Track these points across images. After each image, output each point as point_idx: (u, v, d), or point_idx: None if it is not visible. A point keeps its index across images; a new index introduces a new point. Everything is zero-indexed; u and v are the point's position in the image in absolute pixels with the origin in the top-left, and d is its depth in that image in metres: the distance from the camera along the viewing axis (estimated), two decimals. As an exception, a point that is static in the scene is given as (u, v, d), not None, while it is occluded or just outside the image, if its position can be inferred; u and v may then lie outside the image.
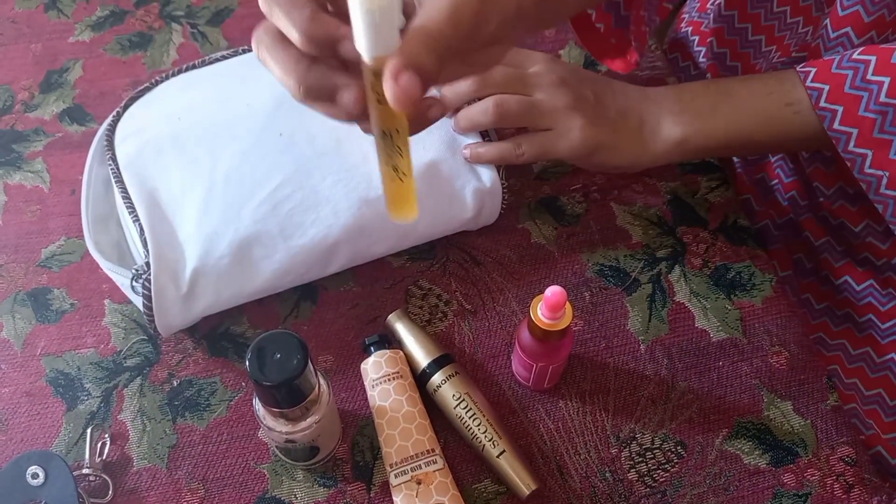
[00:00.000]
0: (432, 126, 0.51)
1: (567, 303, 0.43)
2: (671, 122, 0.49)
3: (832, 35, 0.48)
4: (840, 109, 0.44)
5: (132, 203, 0.49)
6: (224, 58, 0.56)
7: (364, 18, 0.31)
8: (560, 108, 0.50)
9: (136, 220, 0.48)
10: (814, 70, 0.45)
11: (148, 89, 0.54)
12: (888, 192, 0.43)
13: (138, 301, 0.47)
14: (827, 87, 0.44)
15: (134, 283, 0.47)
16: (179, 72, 0.55)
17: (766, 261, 0.56)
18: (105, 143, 0.52)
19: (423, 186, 0.51)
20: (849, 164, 0.44)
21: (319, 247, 0.49)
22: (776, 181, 0.59)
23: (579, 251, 0.56)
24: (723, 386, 0.50)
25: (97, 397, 0.49)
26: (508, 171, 0.54)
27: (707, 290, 0.54)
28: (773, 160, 0.58)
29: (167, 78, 0.55)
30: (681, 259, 0.55)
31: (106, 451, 0.47)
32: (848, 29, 0.47)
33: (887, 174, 0.42)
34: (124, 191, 0.50)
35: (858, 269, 0.54)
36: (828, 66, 0.45)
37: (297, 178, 0.49)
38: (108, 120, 0.53)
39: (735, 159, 0.61)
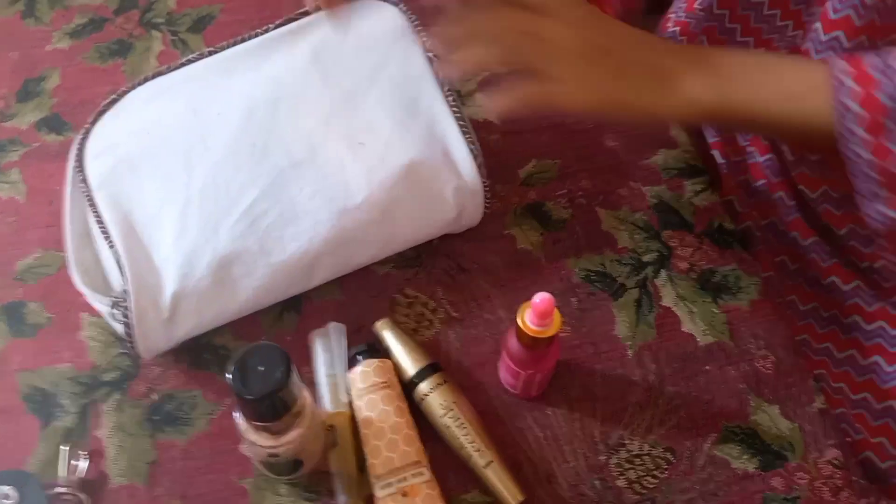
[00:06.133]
0: (410, 122, 0.51)
1: (555, 310, 0.43)
2: (691, 81, 0.44)
3: (823, 38, 0.48)
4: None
5: (107, 228, 0.48)
6: (190, 62, 0.54)
7: None
8: (565, 52, 0.43)
9: (112, 245, 0.47)
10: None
11: (115, 101, 0.53)
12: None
13: (119, 328, 0.47)
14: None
15: (114, 311, 0.46)
16: (147, 80, 0.53)
17: (752, 264, 0.56)
18: (75, 163, 0.51)
19: (403, 189, 0.50)
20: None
21: (301, 262, 0.49)
22: (763, 181, 0.58)
23: (565, 257, 0.55)
24: (710, 391, 0.50)
25: (73, 413, 0.48)
26: (493, 176, 0.53)
27: (693, 294, 0.54)
28: (761, 160, 0.58)
29: (134, 87, 0.53)
30: (667, 263, 0.55)
31: (82, 468, 0.46)
32: (839, 33, 0.47)
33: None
34: (97, 215, 0.48)
35: (845, 270, 0.54)
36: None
37: (273, 192, 0.48)
38: (78, 137, 0.52)
39: (720, 160, 0.61)
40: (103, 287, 0.49)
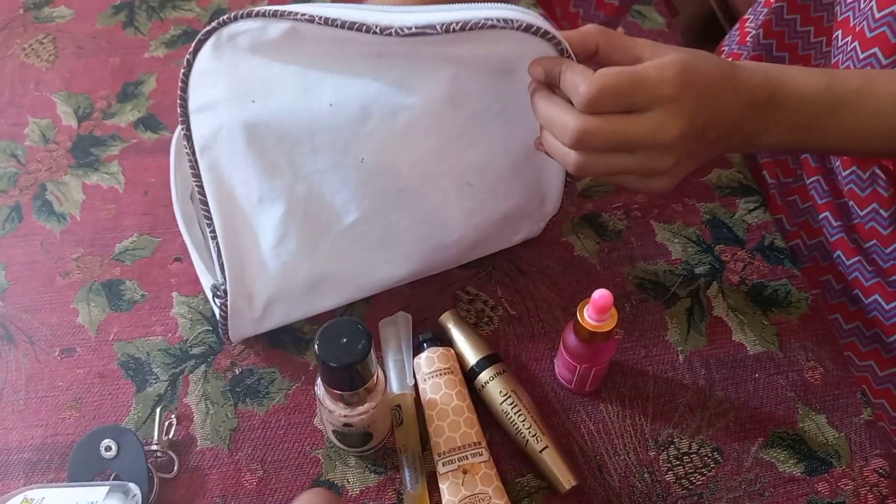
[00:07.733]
0: (523, 166, 0.50)
1: (613, 306, 0.45)
2: (768, 135, 0.44)
3: (861, 56, 0.50)
4: None
5: (210, 214, 0.46)
6: (309, 18, 0.41)
7: None
8: (660, 146, 0.40)
9: (214, 236, 0.47)
10: None
11: (216, 29, 0.42)
12: None
13: (216, 309, 0.51)
14: None
15: (214, 300, 0.50)
16: (260, 15, 0.41)
17: (802, 280, 0.58)
18: (180, 111, 0.44)
19: (491, 230, 0.54)
20: None
21: (385, 284, 0.54)
22: (810, 203, 0.61)
23: (620, 265, 0.58)
24: (759, 397, 0.52)
25: (164, 381, 0.53)
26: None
27: (744, 305, 0.56)
28: (808, 182, 0.61)
29: (244, 16, 0.41)
30: (719, 276, 0.58)
31: (172, 430, 0.50)
32: (875, 49, 0.49)
33: None
34: (202, 194, 0.46)
35: (888, 290, 0.55)
36: None
37: (374, 216, 0.48)
38: (180, 74, 0.43)
39: (769, 179, 0.64)
40: (211, 265, 0.52)
